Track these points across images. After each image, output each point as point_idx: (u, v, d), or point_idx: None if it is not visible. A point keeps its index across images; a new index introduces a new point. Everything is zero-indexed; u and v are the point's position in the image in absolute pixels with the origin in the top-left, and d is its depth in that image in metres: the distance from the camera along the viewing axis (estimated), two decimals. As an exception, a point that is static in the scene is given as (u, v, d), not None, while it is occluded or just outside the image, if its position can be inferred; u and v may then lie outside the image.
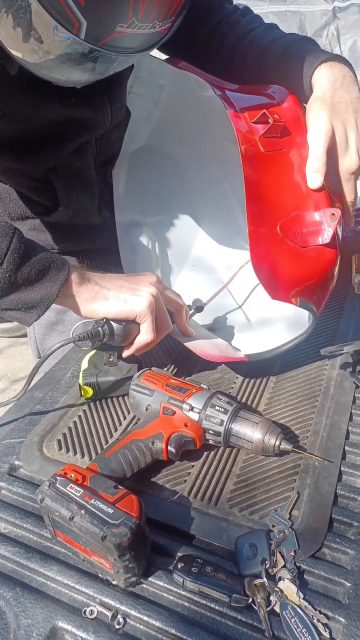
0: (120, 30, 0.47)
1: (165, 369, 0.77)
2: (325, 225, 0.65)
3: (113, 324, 0.66)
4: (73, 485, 0.50)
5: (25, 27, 0.48)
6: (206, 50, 0.80)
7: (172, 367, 0.78)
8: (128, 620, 0.46)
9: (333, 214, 0.64)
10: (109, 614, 0.47)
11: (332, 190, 0.69)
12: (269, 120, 0.64)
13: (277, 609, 0.46)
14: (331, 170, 0.68)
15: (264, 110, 0.65)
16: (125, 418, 0.69)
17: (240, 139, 0.63)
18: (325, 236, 0.65)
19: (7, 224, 0.61)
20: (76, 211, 0.85)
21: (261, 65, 0.76)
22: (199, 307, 0.84)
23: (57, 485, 0.50)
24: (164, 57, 0.80)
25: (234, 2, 0.85)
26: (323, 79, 0.68)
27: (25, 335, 2.33)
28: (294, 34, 0.76)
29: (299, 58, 0.70)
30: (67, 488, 0.50)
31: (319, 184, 0.66)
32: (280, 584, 0.48)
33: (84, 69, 0.52)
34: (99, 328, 0.65)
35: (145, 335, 0.67)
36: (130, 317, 0.66)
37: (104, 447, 0.63)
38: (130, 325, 0.67)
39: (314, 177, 0.66)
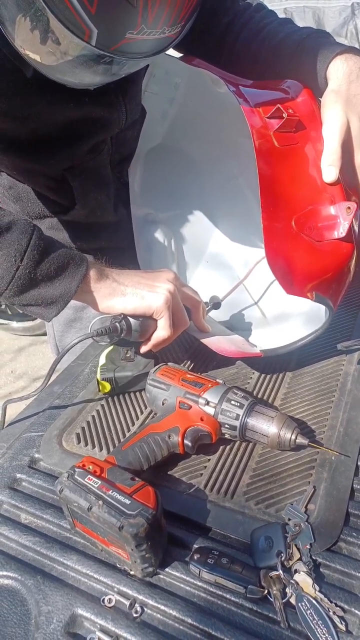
0: (130, 36, 0.48)
1: (181, 364, 0.77)
2: (341, 219, 0.65)
3: (130, 319, 0.67)
4: (91, 477, 0.51)
5: (43, 29, 0.49)
6: (220, 47, 0.81)
7: (189, 362, 0.79)
8: (145, 609, 0.47)
9: (349, 208, 0.64)
10: (127, 602, 0.48)
11: (347, 183, 0.69)
12: (283, 115, 0.64)
13: (292, 601, 0.46)
14: (347, 164, 0.68)
15: (278, 105, 0.65)
16: (142, 412, 0.70)
17: (254, 134, 0.63)
18: (341, 230, 0.64)
19: (26, 221, 0.62)
20: (92, 209, 0.86)
21: (275, 60, 0.75)
22: (216, 304, 0.84)
23: (76, 476, 0.51)
24: (178, 54, 0.80)
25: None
26: (338, 71, 0.68)
27: (45, 334, 2.36)
28: (308, 28, 0.75)
29: (313, 51, 0.70)
30: (86, 479, 0.51)
31: (335, 177, 0.65)
32: (296, 577, 0.48)
33: (95, 72, 0.53)
34: (117, 324, 0.66)
35: (162, 331, 0.68)
36: (148, 313, 0.67)
37: (122, 440, 0.64)
38: (147, 321, 0.68)
39: (329, 170, 0.65)
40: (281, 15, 0.79)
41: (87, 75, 0.54)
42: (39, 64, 0.54)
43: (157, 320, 0.68)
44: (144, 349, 0.70)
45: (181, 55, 0.80)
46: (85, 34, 0.47)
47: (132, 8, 0.46)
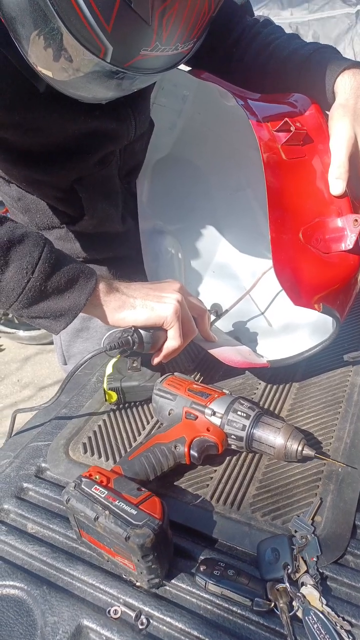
0: (145, 53, 0.49)
1: (188, 374, 0.77)
2: (348, 231, 0.65)
3: (141, 331, 0.67)
4: (98, 487, 0.51)
5: (56, 47, 0.50)
6: (228, 61, 0.82)
7: (195, 372, 0.79)
8: (151, 621, 0.47)
9: (356, 220, 0.64)
10: (133, 614, 0.47)
11: (354, 196, 0.69)
12: (291, 129, 0.65)
13: (299, 614, 0.46)
14: (354, 177, 0.68)
15: (286, 118, 0.66)
16: (148, 422, 0.70)
17: (262, 147, 0.63)
18: (348, 242, 0.65)
19: (38, 234, 0.63)
20: (100, 220, 0.87)
21: (283, 75, 0.76)
22: (218, 313, 0.84)
23: (83, 486, 0.51)
24: (186, 68, 0.82)
25: (256, 14, 0.86)
26: (346, 86, 0.69)
27: (51, 343, 2.37)
28: (315, 43, 0.76)
29: (321, 66, 0.71)
30: (92, 489, 0.51)
31: (342, 190, 0.66)
32: (303, 590, 0.48)
33: (108, 87, 0.54)
34: (129, 337, 0.66)
35: (172, 341, 0.68)
36: (158, 323, 0.67)
37: (128, 450, 0.64)
38: (157, 332, 0.68)
39: (337, 183, 0.66)
40: (287, 28, 0.81)
41: (100, 90, 0.55)
42: (52, 79, 0.55)
43: (167, 331, 0.68)
44: (156, 360, 0.70)
45: (190, 69, 0.82)
46: (101, 51, 0.48)
47: (147, 26, 0.47)
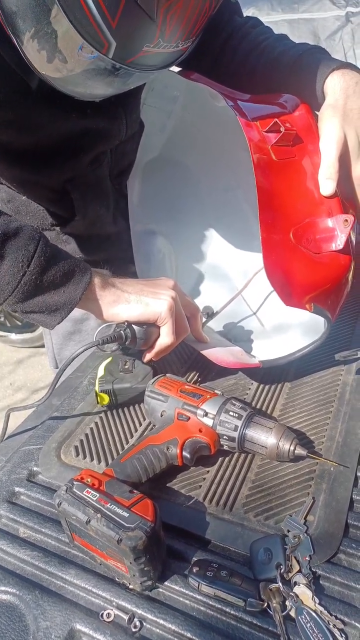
0: (147, 49, 0.49)
1: (180, 375, 0.77)
2: (338, 231, 0.65)
3: (134, 327, 0.67)
4: (89, 490, 0.51)
5: (50, 50, 0.50)
6: (218, 62, 0.82)
7: (187, 373, 0.79)
8: (144, 623, 0.47)
9: (346, 220, 0.65)
10: (126, 617, 0.47)
11: (344, 196, 0.69)
12: (281, 129, 0.65)
13: (292, 613, 0.46)
14: (344, 177, 0.69)
15: (276, 119, 0.66)
16: (140, 424, 0.70)
17: (252, 148, 0.64)
18: (339, 242, 0.65)
19: (33, 228, 0.63)
20: (92, 221, 0.87)
21: (273, 76, 0.77)
22: (210, 314, 0.84)
23: (74, 489, 0.51)
24: (176, 69, 0.81)
25: (246, 13, 0.86)
26: (335, 86, 0.69)
27: (43, 346, 2.36)
28: (304, 44, 0.77)
29: (310, 67, 0.71)
30: (84, 492, 0.50)
31: (332, 190, 0.66)
32: (296, 589, 0.48)
33: (107, 83, 0.54)
34: (122, 331, 0.66)
35: (165, 338, 0.68)
36: (152, 319, 0.67)
37: (120, 452, 0.64)
38: (151, 329, 0.68)
39: (327, 184, 0.66)
40: (276, 28, 0.81)
41: (98, 86, 0.55)
42: (50, 75, 0.54)
43: (160, 328, 0.68)
44: (147, 357, 0.70)
45: (179, 69, 0.81)
46: (104, 47, 0.48)
47: (151, 22, 0.47)
